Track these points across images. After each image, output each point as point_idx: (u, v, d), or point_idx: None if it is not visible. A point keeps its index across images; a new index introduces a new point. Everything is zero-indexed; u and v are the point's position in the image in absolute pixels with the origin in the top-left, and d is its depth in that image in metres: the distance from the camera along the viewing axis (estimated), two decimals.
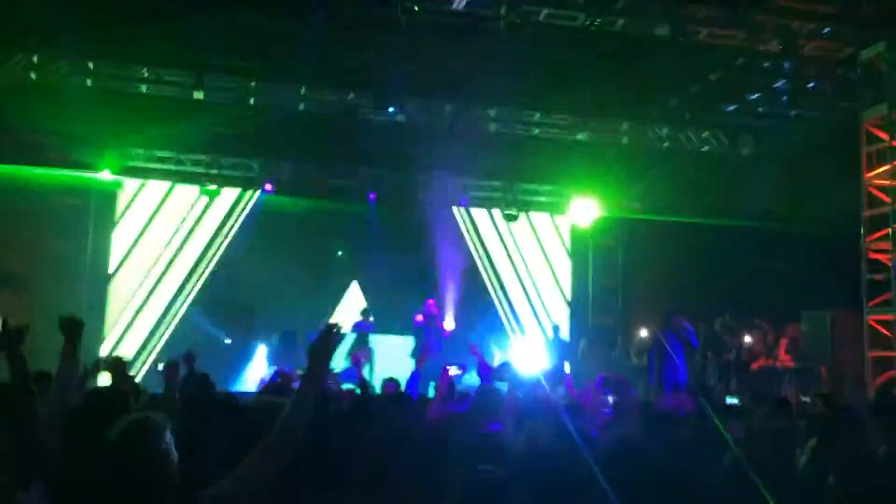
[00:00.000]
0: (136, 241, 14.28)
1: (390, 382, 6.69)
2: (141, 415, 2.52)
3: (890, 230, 10.19)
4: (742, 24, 10.00)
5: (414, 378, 6.61)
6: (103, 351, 13.13)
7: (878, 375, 10.11)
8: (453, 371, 6.18)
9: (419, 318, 11.57)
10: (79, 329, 3.70)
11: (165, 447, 2.39)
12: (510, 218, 15.76)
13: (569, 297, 16.37)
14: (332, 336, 2.79)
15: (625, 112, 12.92)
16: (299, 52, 10.80)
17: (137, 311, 14.15)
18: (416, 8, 8.96)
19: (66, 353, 3.67)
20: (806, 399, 7.11)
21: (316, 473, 3.11)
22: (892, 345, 9.99)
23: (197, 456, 3.01)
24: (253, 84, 11.89)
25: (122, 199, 14.25)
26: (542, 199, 16.18)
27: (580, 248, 16.54)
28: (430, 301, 11.01)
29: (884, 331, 10.18)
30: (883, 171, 10.41)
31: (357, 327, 12.78)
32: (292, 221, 14.33)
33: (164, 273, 14.38)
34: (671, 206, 14.92)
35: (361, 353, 10.94)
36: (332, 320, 11.85)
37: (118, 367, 5.63)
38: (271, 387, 6.22)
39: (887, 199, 10.30)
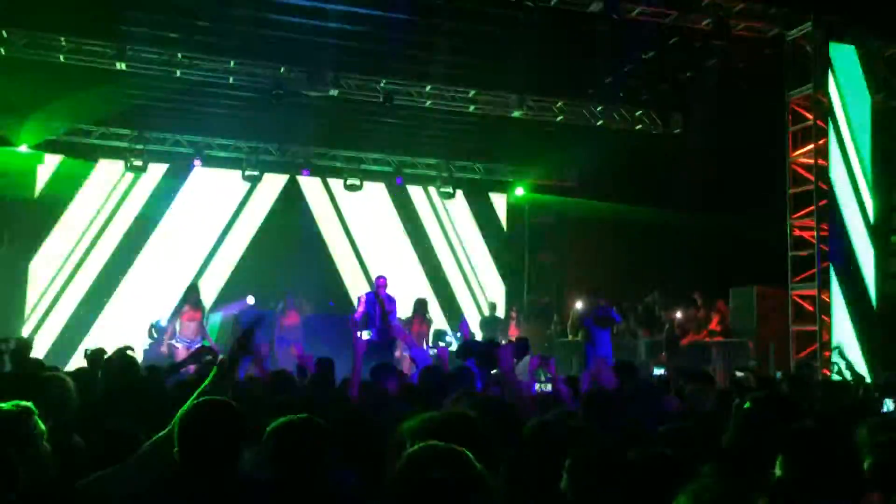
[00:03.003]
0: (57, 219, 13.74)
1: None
2: None
3: (813, 207, 10.48)
4: (674, 3, 10.09)
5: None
6: (25, 332, 12.64)
7: (801, 350, 10.44)
8: (366, 335, 6.08)
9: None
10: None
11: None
12: (446, 196, 15.73)
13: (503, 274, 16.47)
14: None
15: (559, 90, 12.95)
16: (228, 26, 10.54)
17: (59, 294, 13.64)
18: None
19: None
20: (740, 374, 7.32)
21: None
22: (815, 319, 10.32)
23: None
24: (180, 56, 11.46)
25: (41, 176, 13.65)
26: (478, 176, 16.19)
27: (516, 226, 16.65)
28: (381, 280, 10.83)
29: (807, 305, 10.50)
30: (807, 150, 10.67)
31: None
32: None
33: (85, 255, 13.88)
34: (605, 186, 15.08)
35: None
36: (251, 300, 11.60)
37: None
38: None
39: (811, 178, 10.58)
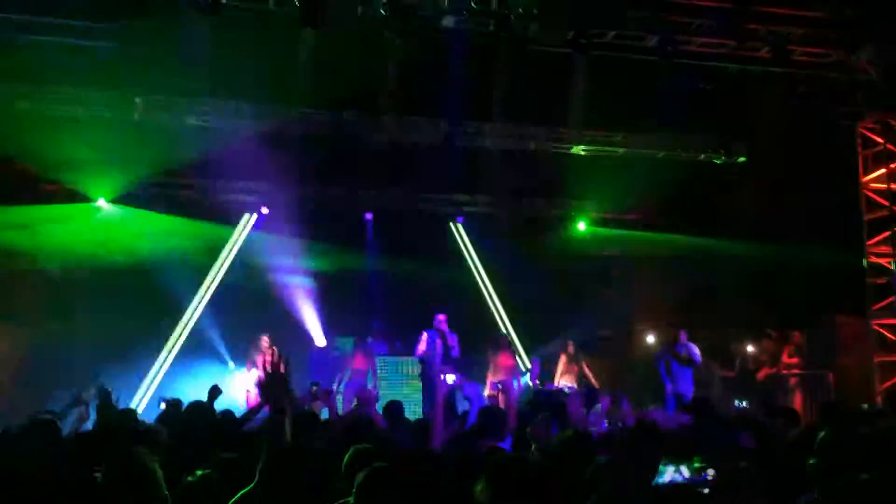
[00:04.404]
0: None
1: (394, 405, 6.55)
2: None
3: (889, 233, 10.15)
4: (732, 33, 9.99)
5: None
6: None
7: (885, 380, 10.03)
8: (450, 379, 6.06)
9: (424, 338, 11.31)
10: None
11: None
12: (507, 232, 15.69)
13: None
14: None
15: (619, 122, 12.90)
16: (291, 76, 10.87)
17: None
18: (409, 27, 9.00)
19: None
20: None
21: None
22: None
23: None
24: (245, 107, 11.88)
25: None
26: (539, 212, 16.14)
27: (578, 261, 16.46)
28: (440, 316, 10.86)
29: (889, 335, 10.11)
30: (880, 175, 10.37)
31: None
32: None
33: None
34: (669, 218, 14.89)
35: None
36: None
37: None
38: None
39: (885, 203, 10.26)
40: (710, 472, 1.64)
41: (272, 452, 2.67)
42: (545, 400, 4.75)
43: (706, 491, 1.61)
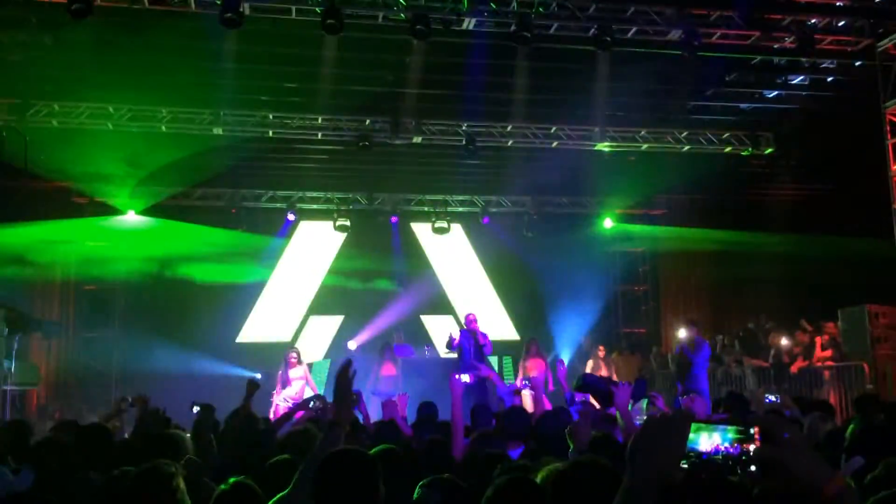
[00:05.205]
0: None
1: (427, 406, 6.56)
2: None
3: None
4: (755, 25, 9.88)
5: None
6: None
7: None
8: (465, 378, 6.00)
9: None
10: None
11: None
12: (532, 231, 15.69)
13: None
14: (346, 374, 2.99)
15: (642, 118, 12.82)
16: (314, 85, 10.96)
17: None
18: (430, 28, 9.02)
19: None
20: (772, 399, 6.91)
21: None
22: None
23: None
24: (271, 117, 12.01)
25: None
26: (566, 210, 16.11)
27: (606, 257, 16.40)
28: (471, 316, 10.91)
29: None
30: None
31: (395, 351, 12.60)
32: None
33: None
34: (695, 212, 14.80)
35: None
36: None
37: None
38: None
39: None
40: (751, 448, 1.55)
41: (329, 456, 2.68)
42: (593, 384, 4.68)
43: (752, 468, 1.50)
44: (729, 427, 1.60)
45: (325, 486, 2.55)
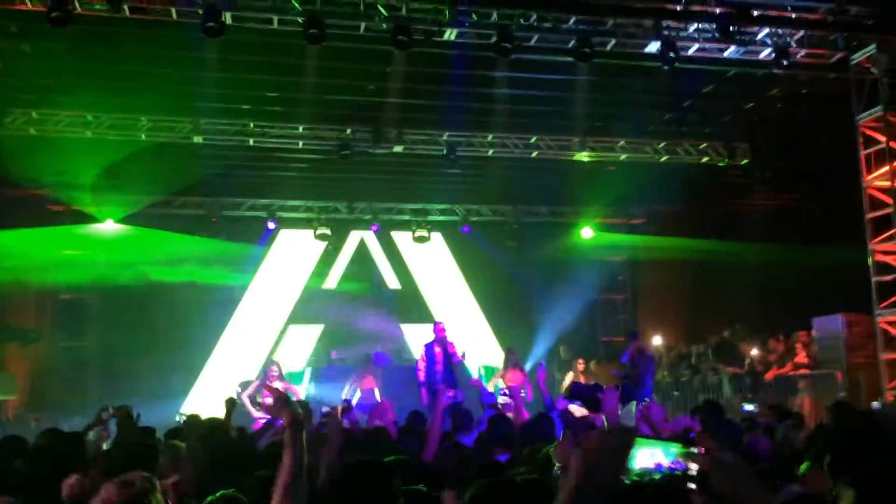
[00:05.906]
0: None
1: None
2: None
3: (894, 231, 10.18)
4: (731, 37, 10.04)
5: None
6: None
7: (894, 378, 10.05)
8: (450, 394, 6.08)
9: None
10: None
11: None
12: (510, 241, 15.77)
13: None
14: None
15: (621, 128, 12.96)
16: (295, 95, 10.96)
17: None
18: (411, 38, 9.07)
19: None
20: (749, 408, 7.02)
21: None
22: None
23: None
24: (251, 125, 12.00)
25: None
26: (545, 220, 16.21)
27: (584, 267, 16.47)
28: (440, 325, 10.93)
29: (893, 332, 10.14)
30: (882, 173, 10.41)
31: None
32: None
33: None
34: (673, 221, 14.95)
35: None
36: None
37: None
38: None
39: (889, 200, 10.29)
40: (693, 466, 1.55)
41: (350, 466, 2.68)
42: (581, 392, 4.71)
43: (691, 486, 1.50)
44: (672, 443, 1.64)
45: (347, 495, 2.55)
